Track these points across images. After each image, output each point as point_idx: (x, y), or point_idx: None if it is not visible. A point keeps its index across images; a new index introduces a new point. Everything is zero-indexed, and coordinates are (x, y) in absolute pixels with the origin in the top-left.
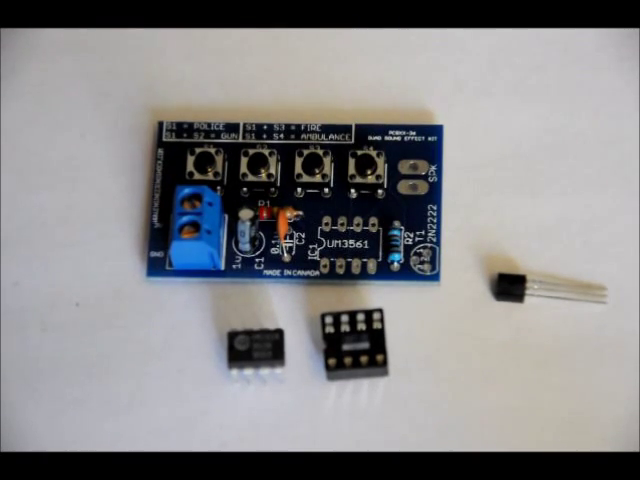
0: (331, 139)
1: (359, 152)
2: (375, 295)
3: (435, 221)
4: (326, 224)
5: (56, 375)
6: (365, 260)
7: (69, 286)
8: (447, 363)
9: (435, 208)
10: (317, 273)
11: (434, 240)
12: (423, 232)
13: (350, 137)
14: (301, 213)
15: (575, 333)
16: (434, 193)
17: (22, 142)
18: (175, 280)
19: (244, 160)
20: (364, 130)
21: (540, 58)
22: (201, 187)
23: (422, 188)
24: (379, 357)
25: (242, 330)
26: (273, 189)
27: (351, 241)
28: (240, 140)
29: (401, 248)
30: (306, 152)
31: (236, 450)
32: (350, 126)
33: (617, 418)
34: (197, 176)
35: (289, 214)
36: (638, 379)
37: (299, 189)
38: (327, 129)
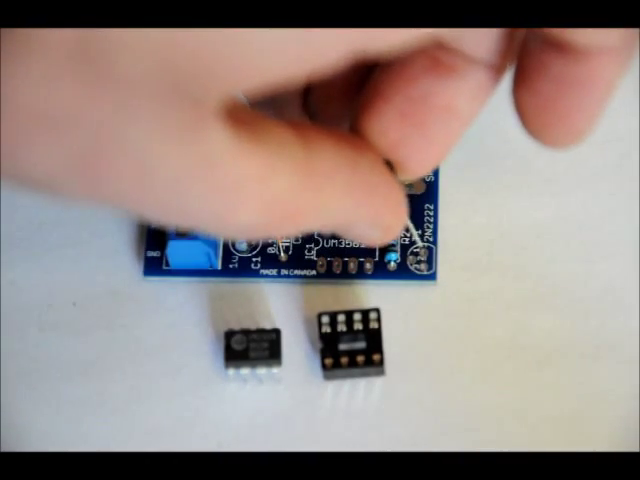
0: None
1: None
2: (372, 294)
3: (432, 220)
4: None
5: (53, 374)
6: (362, 260)
7: (66, 286)
8: (444, 362)
9: (432, 207)
10: (314, 272)
11: (431, 240)
12: (420, 231)
13: None
14: None
15: (574, 332)
16: (431, 192)
17: None
18: (172, 279)
19: None
20: None
21: None
22: None
23: (419, 187)
24: (376, 356)
25: (239, 329)
26: None
27: (348, 240)
28: None
29: (398, 247)
30: None
31: (232, 450)
32: None
33: (617, 418)
34: None
35: None
36: (638, 379)
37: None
38: None
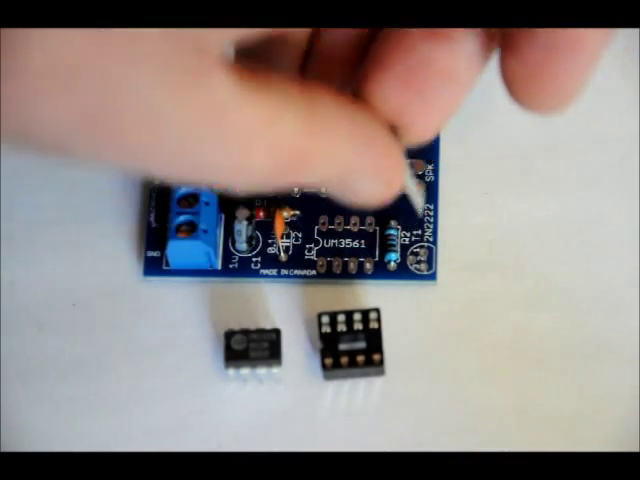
0: None
1: None
2: (372, 294)
3: (432, 221)
4: (323, 223)
5: (53, 375)
6: (362, 259)
7: (66, 286)
8: (444, 362)
9: (432, 207)
10: (314, 272)
11: (431, 240)
12: (420, 231)
13: None
14: (298, 212)
15: (574, 332)
16: (431, 192)
17: None
18: (172, 280)
19: None
20: None
21: None
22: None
23: (419, 187)
24: (376, 356)
25: (239, 329)
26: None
27: (348, 240)
28: None
29: (398, 248)
30: None
31: (232, 450)
32: None
33: (617, 418)
34: None
35: (286, 213)
36: (638, 379)
37: (296, 188)
38: None
